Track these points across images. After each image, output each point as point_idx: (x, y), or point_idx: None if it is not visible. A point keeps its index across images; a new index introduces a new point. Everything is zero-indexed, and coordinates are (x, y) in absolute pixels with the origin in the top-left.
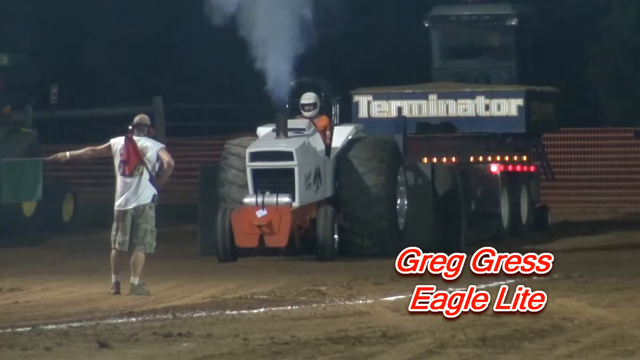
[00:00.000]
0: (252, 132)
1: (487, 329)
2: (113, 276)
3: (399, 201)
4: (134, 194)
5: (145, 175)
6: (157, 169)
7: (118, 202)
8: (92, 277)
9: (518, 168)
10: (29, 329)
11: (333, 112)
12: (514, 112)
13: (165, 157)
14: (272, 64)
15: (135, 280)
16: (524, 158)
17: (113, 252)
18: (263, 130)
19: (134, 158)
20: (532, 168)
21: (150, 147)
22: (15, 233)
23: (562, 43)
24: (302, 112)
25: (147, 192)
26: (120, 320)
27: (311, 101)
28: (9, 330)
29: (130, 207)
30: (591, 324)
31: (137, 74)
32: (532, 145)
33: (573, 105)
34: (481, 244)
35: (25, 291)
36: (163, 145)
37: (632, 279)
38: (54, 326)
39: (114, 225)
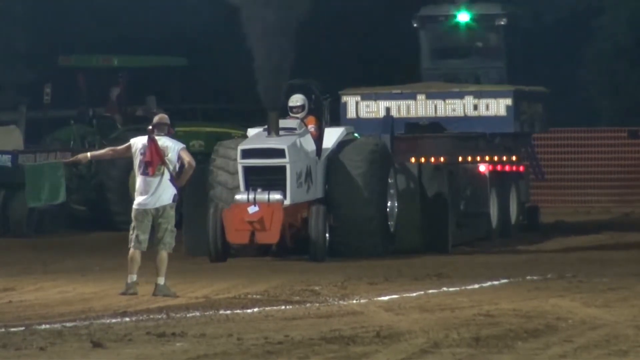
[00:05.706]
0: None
1: (481, 328)
2: (129, 276)
3: (389, 203)
4: (155, 194)
5: (166, 176)
6: (177, 169)
7: (138, 201)
8: (86, 277)
9: (507, 168)
10: (22, 328)
11: (324, 114)
12: (502, 112)
13: (187, 158)
14: (263, 65)
15: (161, 280)
16: (513, 158)
17: (131, 251)
18: (253, 132)
19: (156, 158)
20: (521, 168)
21: (171, 147)
22: None
23: (555, 43)
24: (290, 114)
25: (168, 192)
26: (114, 320)
27: (299, 103)
28: (3, 330)
29: (151, 207)
30: (585, 324)
31: (130, 74)
32: (522, 145)
33: (566, 105)
34: (470, 244)
35: (19, 291)
36: (184, 145)
37: (625, 278)
38: (47, 326)
39: (133, 224)
